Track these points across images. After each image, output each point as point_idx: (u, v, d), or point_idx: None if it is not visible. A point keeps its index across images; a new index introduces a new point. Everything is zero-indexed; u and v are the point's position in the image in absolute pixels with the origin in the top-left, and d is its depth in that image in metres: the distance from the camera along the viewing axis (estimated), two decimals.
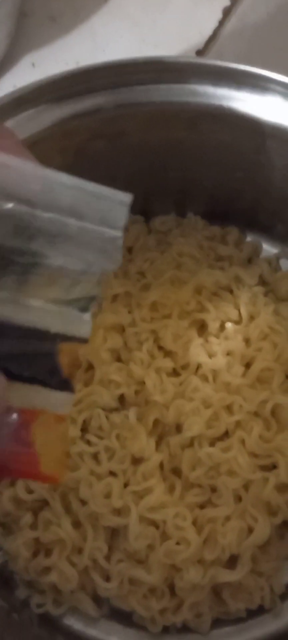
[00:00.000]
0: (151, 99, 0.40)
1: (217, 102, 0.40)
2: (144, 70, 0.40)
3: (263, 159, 0.43)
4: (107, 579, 0.44)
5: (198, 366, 0.46)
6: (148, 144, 0.47)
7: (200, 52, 0.57)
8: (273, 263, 0.52)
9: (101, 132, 0.46)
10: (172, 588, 0.44)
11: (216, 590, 0.45)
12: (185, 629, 0.45)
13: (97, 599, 0.45)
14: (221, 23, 0.58)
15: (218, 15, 0.58)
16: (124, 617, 0.45)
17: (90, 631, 0.46)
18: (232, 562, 0.44)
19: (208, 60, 0.40)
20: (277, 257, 0.52)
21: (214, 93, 0.40)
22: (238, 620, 0.45)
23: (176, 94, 0.40)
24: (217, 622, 0.45)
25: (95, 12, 0.59)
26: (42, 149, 0.44)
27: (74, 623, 0.46)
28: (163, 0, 0.59)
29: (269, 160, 0.43)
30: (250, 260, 0.52)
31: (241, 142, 0.42)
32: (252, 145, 0.42)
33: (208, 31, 0.58)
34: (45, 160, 0.46)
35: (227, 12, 0.58)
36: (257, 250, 0.53)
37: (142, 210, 0.53)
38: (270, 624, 0.45)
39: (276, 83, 0.39)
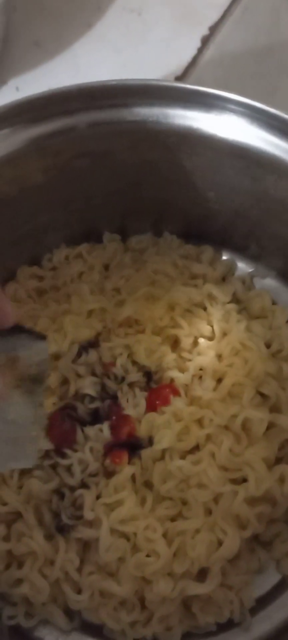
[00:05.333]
0: (122, 119, 0.42)
1: (186, 123, 0.42)
2: (113, 93, 0.41)
3: (232, 180, 0.44)
4: (79, 591, 0.45)
5: (171, 381, 0.47)
6: (124, 165, 0.48)
7: (179, 79, 0.59)
8: (247, 281, 0.53)
9: (79, 152, 0.47)
10: (142, 601, 0.45)
11: (186, 604, 0.45)
12: None
13: (69, 612, 0.46)
14: (200, 51, 0.59)
15: (197, 43, 0.60)
16: (94, 631, 0.46)
17: None
18: (202, 575, 0.44)
19: (178, 84, 0.42)
20: (251, 276, 0.54)
21: (184, 115, 0.41)
22: (208, 634, 0.45)
23: (146, 115, 0.41)
24: (188, 636, 0.45)
25: (79, 38, 0.61)
26: (21, 166, 0.46)
27: (45, 636, 0.46)
28: (145, 28, 0.61)
29: (238, 181, 0.44)
30: (224, 279, 0.53)
31: (208, 162, 0.44)
32: (218, 165, 0.44)
33: (187, 58, 0.60)
34: (25, 178, 0.48)
35: (205, 41, 0.60)
36: (231, 269, 0.54)
37: (120, 229, 0.54)
38: (240, 638, 0.45)
39: (243, 106, 0.41)
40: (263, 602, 0.47)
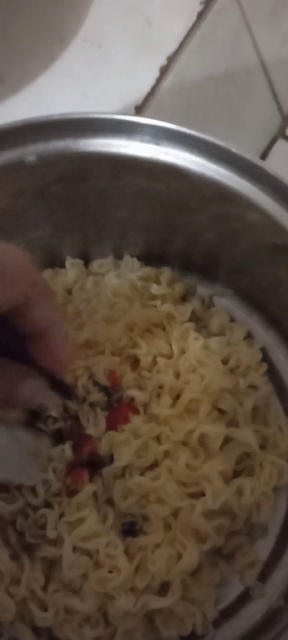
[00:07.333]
0: (70, 151, 0.44)
1: (129, 152, 0.44)
2: (60, 127, 0.44)
3: (181, 203, 0.46)
4: (45, 609, 0.46)
5: (131, 399, 0.49)
6: (81, 193, 0.50)
7: (139, 108, 0.61)
8: (206, 300, 0.55)
9: (36, 183, 0.49)
10: (106, 616, 0.46)
11: (149, 618, 0.46)
12: None
13: (36, 630, 0.47)
14: (158, 80, 0.61)
15: (156, 73, 0.62)
16: None
17: None
18: (164, 589, 0.45)
19: (112, 115, 0.44)
20: (211, 295, 0.55)
21: (127, 144, 0.43)
22: None
23: (91, 145, 0.44)
24: None
25: (43, 71, 0.63)
26: None
27: None
28: (105, 60, 0.63)
29: (187, 204, 0.46)
30: (184, 299, 0.55)
31: (154, 187, 0.46)
32: (165, 189, 0.46)
33: (147, 88, 0.62)
34: None
35: (164, 70, 0.62)
36: (190, 289, 0.55)
37: (82, 254, 0.56)
38: None
39: (180, 135, 0.43)
40: (227, 613, 0.48)
